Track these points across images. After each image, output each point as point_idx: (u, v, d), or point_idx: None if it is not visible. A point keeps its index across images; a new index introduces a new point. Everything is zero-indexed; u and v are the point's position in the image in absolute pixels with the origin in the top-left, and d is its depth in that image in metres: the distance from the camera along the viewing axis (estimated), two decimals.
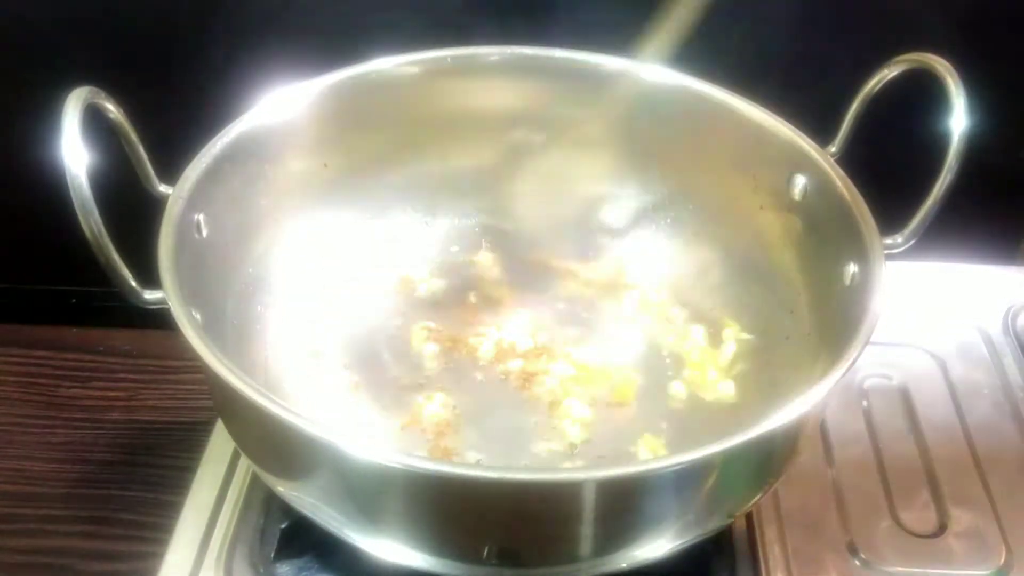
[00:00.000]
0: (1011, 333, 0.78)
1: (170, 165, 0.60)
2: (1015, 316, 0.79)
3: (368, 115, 0.71)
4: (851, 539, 0.63)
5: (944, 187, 0.59)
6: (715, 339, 0.70)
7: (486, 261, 0.76)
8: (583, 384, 0.67)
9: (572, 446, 0.63)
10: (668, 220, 0.75)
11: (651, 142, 0.73)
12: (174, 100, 0.80)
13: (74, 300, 0.95)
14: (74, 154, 0.50)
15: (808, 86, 0.73)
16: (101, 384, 0.88)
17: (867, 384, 0.73)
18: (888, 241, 0.60)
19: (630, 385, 0.67)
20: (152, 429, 0.84)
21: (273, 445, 0.53)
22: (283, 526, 0.62)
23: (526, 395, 0.67)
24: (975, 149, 0.59)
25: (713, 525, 0.55)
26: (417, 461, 0.48)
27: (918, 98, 0.59)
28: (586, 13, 0.79)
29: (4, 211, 0.90)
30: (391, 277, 0.74)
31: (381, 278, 0.73)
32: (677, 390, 0.67)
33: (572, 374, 0.68)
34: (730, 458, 0.50)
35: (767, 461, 0.55)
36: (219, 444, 0.69)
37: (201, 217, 0.59)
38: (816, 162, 0.64)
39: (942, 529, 0.64)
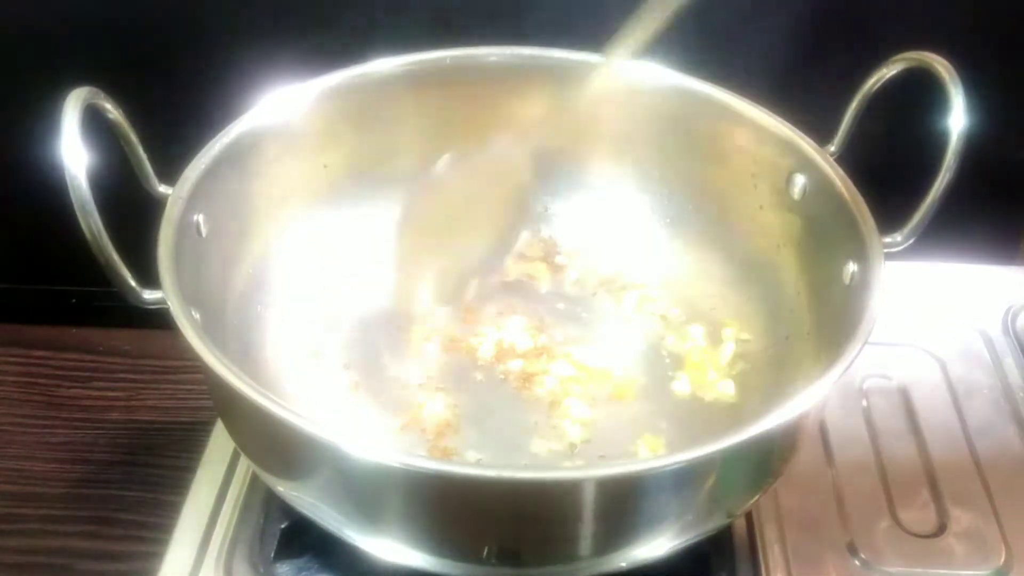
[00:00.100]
0: (1011, 333, 0.78)
1: (170, 165, 0.60)
2: (1015, 316, 0.79)
3: (368, 115, 0.71)
4: (851, 539, 0.63)
5: (943, 186, 0.59)
6: (715, 339, 0.70)
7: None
8: (583, 384, 0.67)
9: (572, 446, 0.63)
10: (668, 220, 0.75)
11: (651, 142, 0.73)
12: (174, 100, 0.80)
13: (74, 300, 0.95)
14: (74, 154, 0.50)
15: (808, 86, 0.73)
16: (101, 384, 0.88)
17: (867, 384, 0.73)
18: (887, 240, 0.60)
19: (630, 385, 0.67)
20: (152, 429, 0.84)
21: (273, 445, 0.53)
22: (283, 526, 0.62)
23: (526, 395, 0.67)
24: (974, 148, 0.59)
25: (713, 524, 0.55)
26: (417, 461, 0.48)
27: (917, 97, 0.59)
28: (587, 13, 0.79)
29: (4, 211, 0.90)
30: (391, 277, 0.74)
31: (381, 278, 0.73)
32: (677, 390, 0.67)
33: (572, 374, 0.68)
34: (730, 458, 0.50)
35: (767, 461, 0.55)
36: (219, 444, 0.69)
37: (201, 217, 0.59)
38: (815, 161, 0.64)
39: (942, 529, 0.64)
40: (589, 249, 0.76)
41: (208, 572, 0.60)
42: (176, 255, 0.54)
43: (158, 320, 0.51)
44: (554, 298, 0.73)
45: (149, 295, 0.53)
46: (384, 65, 0.70)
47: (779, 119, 0.66)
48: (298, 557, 0.61)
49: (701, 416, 0.66)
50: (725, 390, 0.67)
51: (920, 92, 0.59)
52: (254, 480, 0.65)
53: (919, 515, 0.65)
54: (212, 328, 0.55)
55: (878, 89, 0.63)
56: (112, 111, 0.56)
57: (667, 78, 0.70)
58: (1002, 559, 0.62)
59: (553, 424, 0.65)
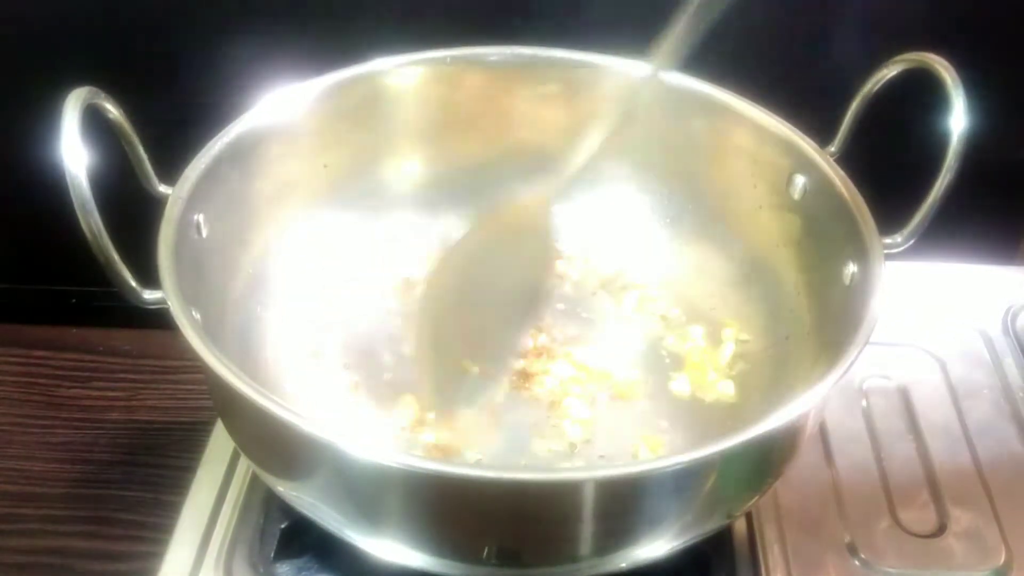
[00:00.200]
0: (1011, 333, 0.78)
1: (170, 165, 0.60)
2: (1015, 316, 0.79)
3: (368, 115, 0.71)
4: (851, 539, 0.63)
5: (943, 187, 0.59)
6: (715, 339, 0.70)
7: None
8: (583, 384, 0.67)
9: (572, 446, 0.63)
10: (668, 220, 0.75)
11: (651, 142, 0.73)
12: (174, 100, 0.80)
13: (74, 300, 0.95)
14: (74, 154, 0.50)
15: (808, 86, 0.73)
16: (101, 384, 0.88)
17: (867, 384, 0.73)
18: (888, 241, 0.60)
19: (630, 385, 0.67)
20: (152, 429, 0.84)
21: (273, 445, 0.53)
22: (283, 526, 0.62)
23: (526, 395, 0.67)
24: (974, 149, 0.59)
25: (713, 525, 0.55)
26: (417, 461, 0.48)
27: (917, 98, 0.59)
28: (586, 13, 0.79)
29: (4, 211, 0.90)
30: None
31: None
32: (677, 390, 0.67)
33: (572, 374, 0.68)
34: (730, 458, 0.50)
35: (767, 461, 0.55)
36: (219, 444, 0.68)
37: (201, 217, 0.59)
38: (816, 162, 0.64)
39: (942, 529, 0.64)
40: (589, 249, 0.76)
41: (208, 572, 0.60)
42: (176, 255, 0.54)
43: (158, 320, 0.51)
44: (554, 298, 0.73)
45: (149, 295, 0.53)
46: (384, 65, 0.70)
47: (779, 119, 0.66)
48: (298, 557, 0.61)
49: (701, 416, 0.66)
50: (725, 390, 0.67)
51: (920, 93, 0.59)
52: (254, 480, 0.65)
53: (919, 515, 0.65)
54: (212, 328, 0.55)
55: (878, 90, 0.63)
56: (112, 111, 0.56)
57: (667, 78, 0.70)
58: (1002, 559, 0.62)
59: (553, 424, 0.65)
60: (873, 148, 0.65)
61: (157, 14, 0.81)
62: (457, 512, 0.50)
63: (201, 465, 0.67)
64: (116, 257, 0.52)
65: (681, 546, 0.54)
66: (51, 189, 0.52)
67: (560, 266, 0.75)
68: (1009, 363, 0.75)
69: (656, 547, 0.53)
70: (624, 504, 0.50)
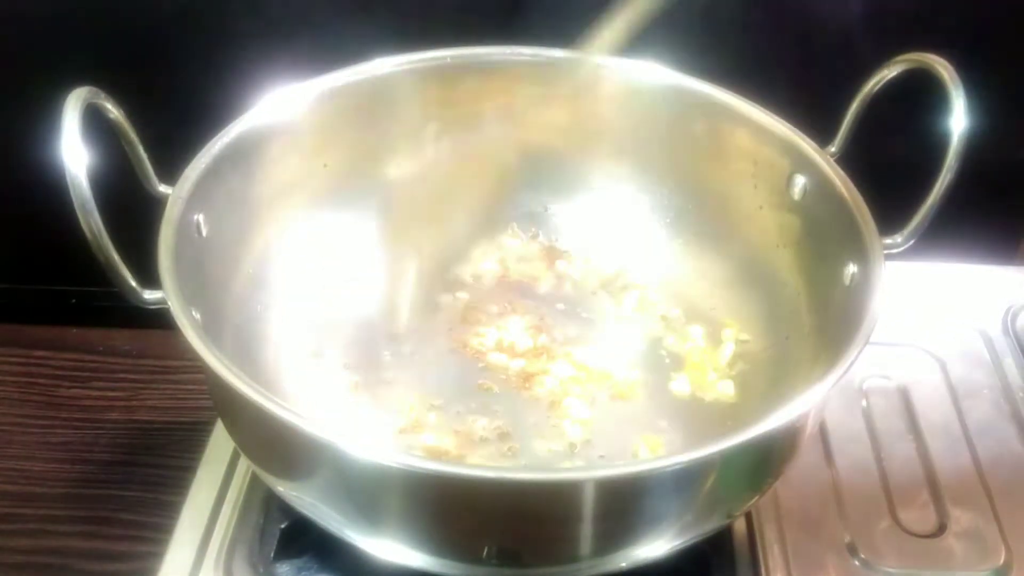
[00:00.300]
0: (1011, 333, 0.78)
1: (170, 165, 0.60)
2: (1015, 316, 0.79)
3: (368, 115, 0.71)
4: (851, 539, 0.63)
5: (944, 187, 0.59)
6: (714, 339, 0.70)
7: (486, 261, 0.76)
8: (583, 384, 0.67)
9: (572, 446, 0.63)
10: (668, 220, 0.75)
11: (651, 142, 0.73)
12: (174, 100, 0.80)
13: (74, 300, 0.95)
14: (74, 154, 0.50)
15: (808, 86, 0.73)
16: (101, 384, 0.88)
17: (867, 384, 0.73)
18: (888, 241, 0.60)
19: (630, 385, 0.67)
20: (152, 429, 0.84)
21: (273, 445, 0.53)
22: (283, 526, 0.62)
23: (526, 395, 0.67)
24: (975, 149, 0.59)
25: (713, 525, 0.55)
26: (417, 461, 0.48)
27: (918, 98, 0.59)
28: (586, 13, 0.79)
29: (4, 211, 0.90)
30: (390, 277, 0.74)
31: (380, 278, 0.73)
32: (677, 390, 0.67)
33: (572, 374, 0.68)
34: (730, 458, 0.50)
35: (766, 461, 0.55)
36: (219, 444, 0.68)
37: (201, 217, 0.59)
38: (816, 162, 0.64)
39: (941, 529, 0.64)
40: (589, 249, 0.76)
41: (208, 572, 0.60)
42: (176, 255, 0.54)
43: (158, 320, 0.51)
44: (554, 298, 0.73)
45: (149, 295, 0.53)
46: (384, 65, 0.70)
47: (779, 119, 0.66)
48: (298, 557, 0.61)
49: (701, 416, 0.66)
50: (725, 390, 0.67)
51: (920, 93, 0.59)
52: (254, 480, 0.65)
53: (919, 515, 0.65)
54: (212, 328, 0.55)
55: (879, 90, 0.63)
56: (112, 111, 0.56)
57: (667, 78, 0.70)
58: (1002, 559, 0.62)
59: (553, 424, 0.65)
60: (873, 148, 0.65)
61: (157, 14, 0.81)
62: (457, 512, 0.50)
63: (201, 465, 0.67)
64: (116, 257, 0.51)
65: (681, 546, 0.54)
66: (51, 189, 0.53)
67: (560, 266, 0.75)
68: (1009, 363, 0.75)
69: (656, 547, 0.53)
70: (624, 504, 0.50)
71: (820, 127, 0.66)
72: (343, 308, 0.71)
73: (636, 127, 0.73)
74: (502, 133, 0.74)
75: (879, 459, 0.68)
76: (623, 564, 0.53)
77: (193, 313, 0.52)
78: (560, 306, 0.73)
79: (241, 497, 0.65)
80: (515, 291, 0.74)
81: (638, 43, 0.70)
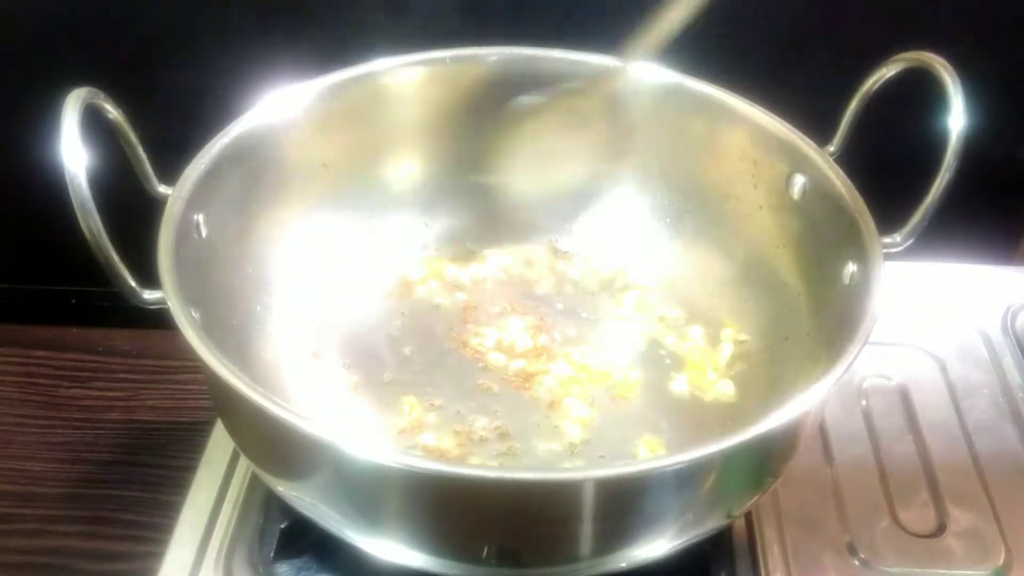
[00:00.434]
0: (1010, 333, 0.78)
1: (170, 165, 0.60)
2: (1014, 316, 0.79)
3: (368, 115, 0.71)
4: (850, 539, 0.63)
5: (943, 186, 0.59)
6: (714, 339, 0.70)
7: (486, 261, 0.76)
8: (583, 384, 0.67)
9: (572, 446, 0.63)
10: (668, 220, 0.75)
11: (650, 142, 0.73)
12: (174, 100, 0.80)
13: (74, 300, 0.95)
14: (73, 154, 0.50)
15: (807, 86, 0.73)
16: (101, 384, 0.88)
17: (866, 384, 0.73)
18: (887, 240, 0.60)
19: (630, 385, 0.68)
20: (152, 429, 0.84)
21: (273, 445, 0.53)
22: (283, 526, 0.62)
23: (526, 395, 0.67)
24: (974, 148, 0.59)
25: (712, 525, 0.55)
26: (417, 461, 0.48)
27: (917, 97, 0.59)
28: (585, 13, 0.79)
29: (4, 211, 0.90)
30: (390, 277, 0.74)
31: (380, 278, 0.73)
32: (676, 390, 0.67)
33: (572, 374, 0.68)
34: (729, 458, 0.50)
35: (766, 461, 0.55)
36: (219, 444, 0.68)
37: (201, 217, 0.59)
38: (815, 162, 0.64)
39: (941, 529, 0.64)
40: (589, 249, 0.76)
41: (208, 572, 0.60)
42: (176, 255, 0.54)
43: (158, 320, 0.51)
44: (554, 298, 0.74)
45: (149, 295, 0.53)
46: (384, 65, 0.70)
47: (779, 119, 0.66)
48: (298, 557, 0.61)
49: (701, 416, 0.66)
50: (724, 390, 0.67)
51: (920, 92, 0.59)
52: (254, 480, 0.65)
53: (919, 515, 0.65)
54: (212, 328, 0.55)
55: (878, 89, 0.63)
56: (112, 111, 0.56)
57: (666, 78, 0.70)
58: (1001, 559, 0.62)
59: (553, 424, 0.65)
60: (873, 148, 0.65)
61: (157, 14, 0.81)
62: (457, 512, 0.50)
63: (201, 465, 0.67)
64: (116, 257, 0.52)
65: (681, 546, 0.54)
66: (51, 189, 0.53)
67: (560, 266, 0.75)
68: (1008, 363, 0.75)
69: (656, 547, 0.53)
70: (624, 504, 0.50)
71: (819, 127, 0.66)
72: (343, 308, 0.71)
73: (636, 127, 0.73)
74: (502, 133, 0.74)
75: (879, 459, 0.68)
76: (623, 564, 0.53)
77: (193, 313, 0.52)
78: (560, 306, 0.73)
79: (241, 497, 0.65)
80: (515, 291, 0.74)
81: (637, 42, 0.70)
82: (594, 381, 0.68)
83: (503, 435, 0.64)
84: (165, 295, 0.52)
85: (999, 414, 0.72)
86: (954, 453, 0.69)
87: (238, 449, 0.62)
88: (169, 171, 0.59)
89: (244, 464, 0.66)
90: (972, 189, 0.63)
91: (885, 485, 0.66)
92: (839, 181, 0.62)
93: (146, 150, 0.59)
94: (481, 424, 0.64)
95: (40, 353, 0.91)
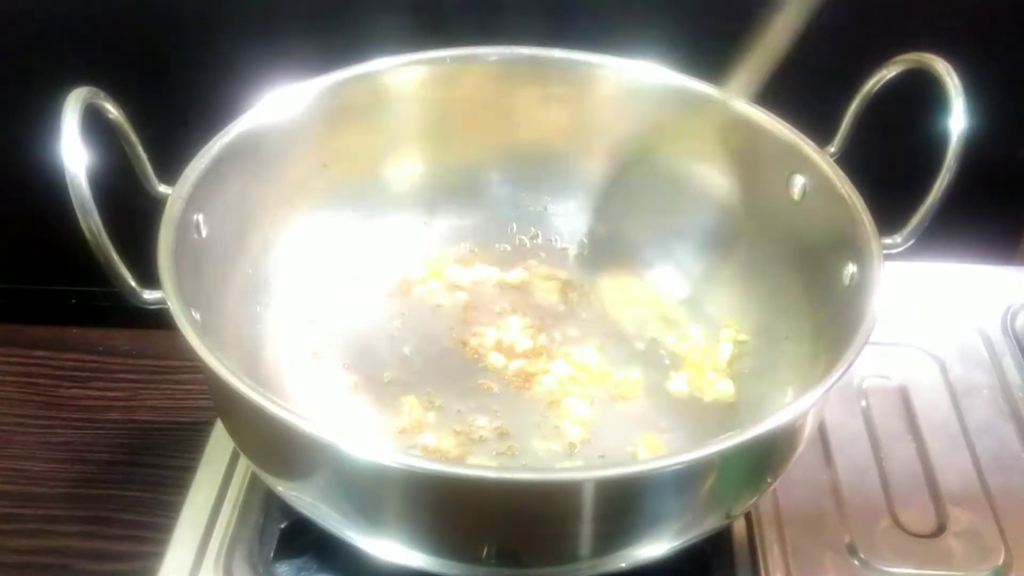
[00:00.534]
0: (1010, 333, 0.78)
1: (170, 165, 0.60)
2: (1014, 316, 0.79)
3: (368, 115, 0.71)
4: (850, 539, 0.63)
5: (943, 187, 0.59)
6: (714, 339, 0.70)
7: (485, 261, 0.76)
8: (583, 384, 0.67)
9: (572, 446, 0.63)
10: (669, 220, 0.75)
11: (650, 142, 0.73)
12: (174, 100, 0.80)
13: (74, 300, 0.95)
14: (74, 154, 0.50)
15: (807, 86, 0.73)
16: (101, 384, 0.88)
17: (866, 384, 0.73)
18: (887, 241, 0.60)
19: (630, 385, 0.68)
20: (152, 429, 0.84)
21: (273, 445, 0.53)
22: (283, 526, 0.62)
23: (526, 395, 0.67)
24: (974, 149, 0.59)
25: (712, 525, 0.55)
26: (417, 461, 0.48)
27: (917, 98, 0.59)
28: (586, 13, 0.79)
29: (4, 211, 0.90)
30: (390, 277, 0.74)
31: (380, 278, 0.73)
32: (676, 390, 0.67)
33: (572, 374, 0.68)
34: (729, 458, 0.50)
35: (766, 461, 0.55)
36: (219, 444, 0.69)
37: (200, 217, 0.59)
38: (815, 162, 0.64)
39: (941, 529, 0.64)
40: (589, 248, 0.76)
41: (208, 572, 0.60)
42: (176, 255, 0.54)
43: (158, 320, 0.51)
44: (554, 298, 0.73)
45: (149, 295, 0.53)
46: (384, 65, 0.70)
47: (779, 119, 0.66)
48: (298, 557, 0.61)
49: (700, 416, 0.66)
50: (724, 390, 0.67)
51: (920, 93, 0.59)
52: (254, 480, 0.65)
53: (918, 515, 0.65)
54: (212, 328, 0.55)
55: (878, 90, 0.63)
56: (112, 111, 0.56)
57: (666, 78, 0.70)
58: (1001, 559, 0.62)
59: (553, 424, 0.65)
60: (873, 148, 0.65)
61: (157, 14, 0.81)
62: (457, 512, 0.50)
63: (201, 465, 0.67)
64: (116, 257, 0.52)
65: (681, 546, 0.54)
66: (51, 189, 0.53)
67: (560, 266, 0.75)
68: (1008, 363, 0.75)
69: (656, 547, 0.53)
70: (623, 504, 0.50)
71: (819, 127, 0.66)
72: (343, 308, 0.71)
73: (636, 127, 0.73)
74: (502, 133, 0.74)
75: (878, 459, 0.68)
76: (623, 564, 0.53)
77: (193, 313, 0.52)
78: (560, 306, 0.73)
79: (241, 497, 0.65)
80: (515, 291, 0.74)
81: (637, 43, 0.70)
82: (594, 381, 0.68)
83: (503, 435, 0.64)
84: (165, 295, 0.52)
85: (999, 414, 0.72)
86: (954, 453, 0.69)
87: (238, 449, 0.62)
88: (169, 171, 0.59)
89: (244, 464, 0.66)
90: (972, 189, 0.63)
91: (885, 485, 0.66)
92: (839, 182, 0.62)
93: (146, 150, 0.59)
94: (481, 424, 0.64)
95: (40, 353, 0.91)
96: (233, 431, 0.58)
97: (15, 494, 0.79)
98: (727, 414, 0.66)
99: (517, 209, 0.77)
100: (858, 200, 0.60)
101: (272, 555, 0.61)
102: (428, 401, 0.65)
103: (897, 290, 0.58)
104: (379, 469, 0.48)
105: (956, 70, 0.59)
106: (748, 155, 0.68)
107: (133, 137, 0.58)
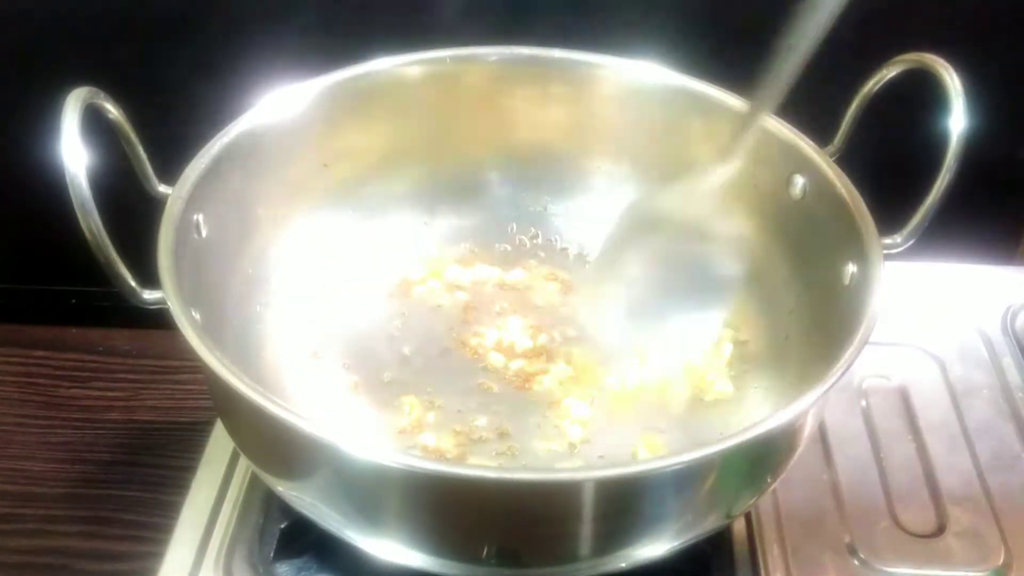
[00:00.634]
0: (1010, 333, 0.78)
1: (170, 165, 0.60)
2: (1014, 316, 0.79)
3: (368, 115, 0.71)
4: (850, 539, 0.63)
5: (943, 187, 0.59)
6: (714, 339, 0.70)
7: (485, 261, 0.76)
8: (583, 384, 0.67)
9: (572, 446, 0.63)
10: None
11: (651, 142, 0.73)
12: (174, 100, 0.80)
13: (74, 300, 0.95)
14: (74, 154, 0.50)
15: (807, 86, 0.73)
16: (101, 384, 0.88)
17: (866, 384, 0.73)
18: (887, 241, 0.60)
19: (630, 385, 0.67)
20: (152, 429, 0.84)
21: (273, 445, 0.53)
22: (283, 526, 0.62)
23: (526, 395, 0.67)
24: (974, 149, 0.59)
25: (712, 525, 0.56)
26: (417, 461, 0.48)
27: (917, 98, 0.59)
28: (586, 13, 0.79)
29: (4, 211, 0.90)
30: (390, 277, 0.74)
31: (380, 278, 0.73)
32: (677, 390, 0.67)
33: (572, 374, 0.68)
34: (729, 458, 0.50)
35: (766, 461, 0.55)
36: (219, 444, 0.69)
37: (200, 217, 0.59)
38: (815, 162, 0.64)
39: (941, 529, 0.64)
40: (590, 248, 0.76)
41: (208, 572, 0.60)
42: (176, 255, 0.54)
43: (158, 320, 0.51)
44: (554, 298, 0.73)
45: (149, 295, 0.53)
46: (384, 65, 0.70)
47: (779, 119, 0.66)
48: (298, 557, 0.61)
49: (701, 416, 0.66)
50: (724, 390, 0.67)
51: (920, 93, 0.59)
52: (254, 480, 0.65)
53: (918, 515, 0.65)
54: (212, 328, 0.55)
55: (878, 90, 0.63)
56: (112, 111, 0.56)
57: (667, 78, 0.70)
58: (1001, 559, 0.62)
59: (553, 424, 0.65)
60: (873, 148, 0.65)
61: (157, 14, 0.81)
62: (457, 512, 0.50)
63: (201, 465, 0.67)
64: (116, 257, 0.52)
65: (681, 546, 0.54)
66: (51, 189, 0.53)
67: (560, 266, 0.75)
68: (1008, 363, 0.76)
69: (656, 547, 0.53)
70: (624, 504, 0.50)
71: (819, 127, 0.66)
72: (343, 308, 0.71)
73: (636, 127, 0.73)
74: (502, 133, 0.74)
75: (878, 459, 0.68)
76: (623, 564, 0.53)
77: (193, 313, 0.52)
78: (560, 306, 0.73)
79: (241, 497, 0.65)
80: (515, 291, 0.74)
81: (637, 43, 0.70)
82: (594, 381, 0.68)
83: (503, 435, 0.64)
84: (165, 295, 0.52)
85: (999, 414, 0.72)
86: (954, 453, 0.69)
87: (238, 449, 0.62)
88: (169, 171, 0.59)
89: (244, 464, 0.66)
90: (972, 189, 0.63)
91: (885, 485, 0.66)
92: (839, 181, 0.62)
93: (146, 150, 0.59)
94: (481, 424, 0.64)
95: (40, 353, 0.91)
96: (233, 431, 0.58)
97: (15, 494, 0.79)
98: (728, 414, 0.66)
99: (517, 209, 0.77)
100: (858, 200, 0.60)
101: (272, 555, 0.61)
102: (428, 401, 0.65)
103: (897, 290, 0.58)
104: (379, 469, 0.48)
105: (956, 70, 0.59)
106: (748, 155, 0.68)
107: (133, 137, 0.58)
